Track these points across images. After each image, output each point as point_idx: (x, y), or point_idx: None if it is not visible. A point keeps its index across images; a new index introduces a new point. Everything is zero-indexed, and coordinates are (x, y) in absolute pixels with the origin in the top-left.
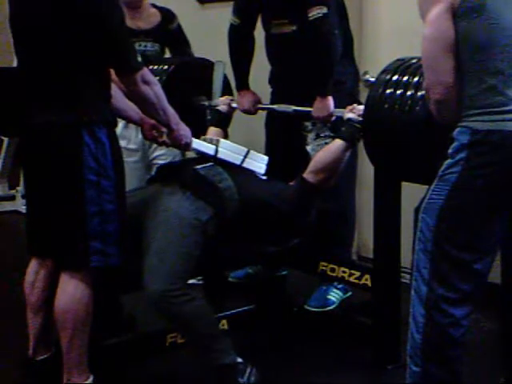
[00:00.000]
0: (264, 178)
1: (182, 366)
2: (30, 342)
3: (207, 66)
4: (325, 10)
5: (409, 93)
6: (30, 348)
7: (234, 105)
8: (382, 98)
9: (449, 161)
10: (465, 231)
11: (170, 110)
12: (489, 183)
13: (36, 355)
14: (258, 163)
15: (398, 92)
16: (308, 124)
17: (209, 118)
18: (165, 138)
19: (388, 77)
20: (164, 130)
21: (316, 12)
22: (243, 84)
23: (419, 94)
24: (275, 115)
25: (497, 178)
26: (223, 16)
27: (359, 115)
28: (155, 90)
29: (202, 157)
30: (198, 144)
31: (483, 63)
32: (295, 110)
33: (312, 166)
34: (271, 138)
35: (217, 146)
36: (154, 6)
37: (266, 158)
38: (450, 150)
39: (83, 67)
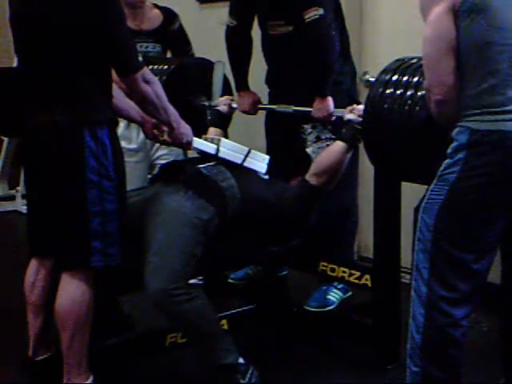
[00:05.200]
0: (265, 177)
1: (182, 366)
2: (29, 342)
3: (207, 66)
4: (321, 11)
5: (409, 93)
6: (29, 348)
7: (234, 105)
8: (382, 98)
9: (448, 161)
10: (464, 231)
11: (171, 109)
12: (488, 183)
13: (36, 355)
14: (260, 163)
15: (398, 92)
16: (307, 127)
17: (209, 118)
18: (166, 136)
19: (388, 77)
20: (165, 128)
21: (312, 14)
22: (242, 84)
23: (419, 93)
24: (274, 116)
25: (496, 178)
26: (223, 16)
27: (359, 116)
28: (156, 89)
29: (205, 156)
30: (199, 143)
31: (483, 63)
32: (295, 110)
33: (314, 168)
34: (271, 139)
35: (218, 145)
36: (155, 6)
37: (267, 157)
38: (448, 150)
39: (84, 67)
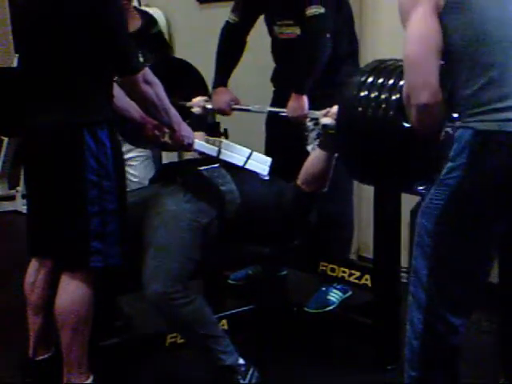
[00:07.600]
0: (267, 179)
1: (182, 366)
2: (30, 342)
3: (184, 67)
4: (322, 10)
5: (383, 96)
6: (30, 348)
7: (209, 106)
8: (356, 100)
9: (449, 164)
10: (465, 236)
11: (172, 111)
12: (491, 188)
13: (36, 355)
14: (261, 165)
15: (373, 95)
16: (310, 124)
17: (188, 122)
18: (167, 138)
19: (363, 78)
20: (166, 130)
21: (313, 10)
22: (222, 81)
23: (393, 97)
24: (275, 116)
25: (499, 183)
26: (223, 16)
27: (335, 119)
28: (157, 90)
29: (206, 158)
30: (200, 145)
31: (479, 58)
32: (270, 111)
33: (302, 177)
34: (271, 138)
35: (219, 147)
36: (136, 9)
37: (269, 159)
38: (450, 153)
39: (85, 67)
